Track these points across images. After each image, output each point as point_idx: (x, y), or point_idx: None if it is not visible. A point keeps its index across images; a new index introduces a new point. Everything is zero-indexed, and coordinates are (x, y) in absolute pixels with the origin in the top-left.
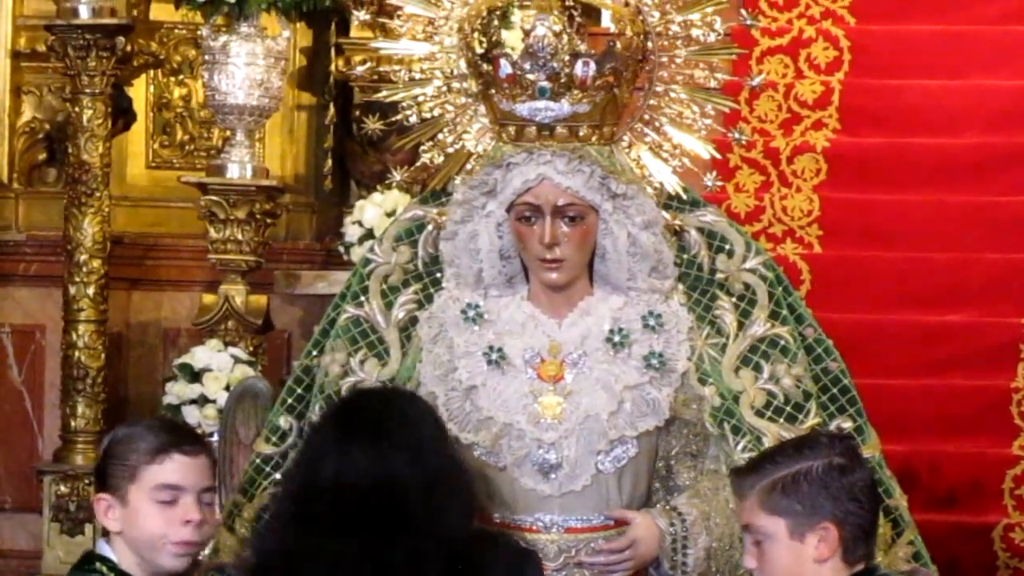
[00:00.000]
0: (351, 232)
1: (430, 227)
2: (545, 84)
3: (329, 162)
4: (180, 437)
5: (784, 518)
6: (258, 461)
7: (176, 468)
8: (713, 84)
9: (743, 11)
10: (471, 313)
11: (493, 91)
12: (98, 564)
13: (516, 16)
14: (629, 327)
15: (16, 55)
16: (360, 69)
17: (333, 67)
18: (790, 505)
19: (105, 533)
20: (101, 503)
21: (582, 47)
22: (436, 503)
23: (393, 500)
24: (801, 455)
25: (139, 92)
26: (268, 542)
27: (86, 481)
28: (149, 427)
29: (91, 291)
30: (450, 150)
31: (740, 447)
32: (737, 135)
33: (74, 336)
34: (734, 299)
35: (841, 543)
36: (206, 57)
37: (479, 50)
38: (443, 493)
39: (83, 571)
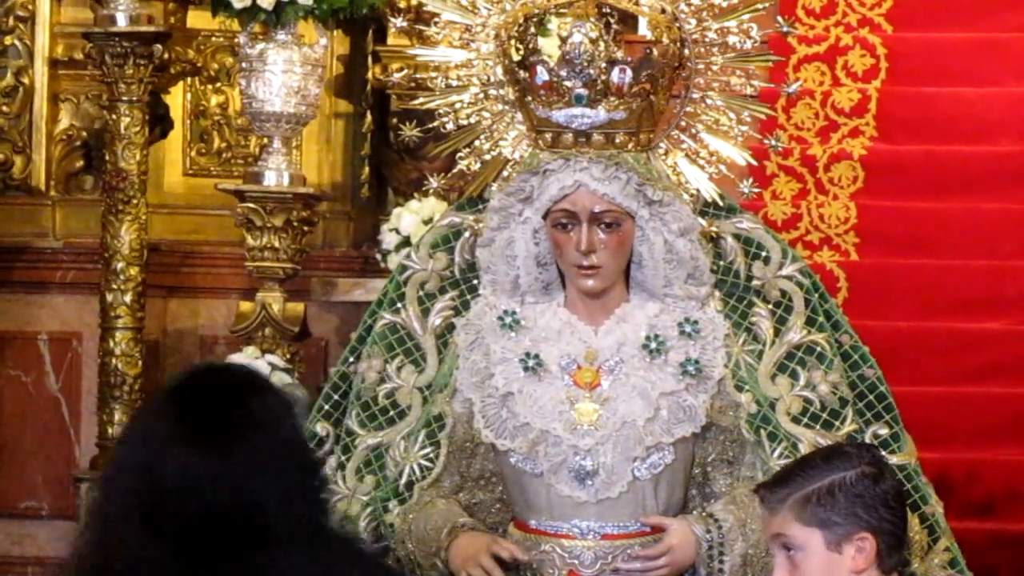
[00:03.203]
0: (388, 239)
1: (467, 234)
2: (582, 91)
3: (366, 170)
4: None
5: (820, 529)
6: None
7: None
8: (750, 91)
9: (780, 18)
10: (508, 320)
11: (530, 98)
12: None
13: (553, 23)
14: (665, 334)
15: (53, 63)
16: (397, 76)
17: (370, 75)
18: (827, 516)
19: None
20: None
21: (619, 54)
22: (293, 514)
23: (244, 516)
24: (832, 466)
25: (176, 100)
26: (107, 542)
27: None
28: None
29: (128, 299)
30: (487, 157)
31: (776, 454)
32: (774, 142)
33: (111, 344)
34: (770, 306)
35: (877, 552)
36: (243, 65)
37: (516, 57)
38: (300, 505)
39: None
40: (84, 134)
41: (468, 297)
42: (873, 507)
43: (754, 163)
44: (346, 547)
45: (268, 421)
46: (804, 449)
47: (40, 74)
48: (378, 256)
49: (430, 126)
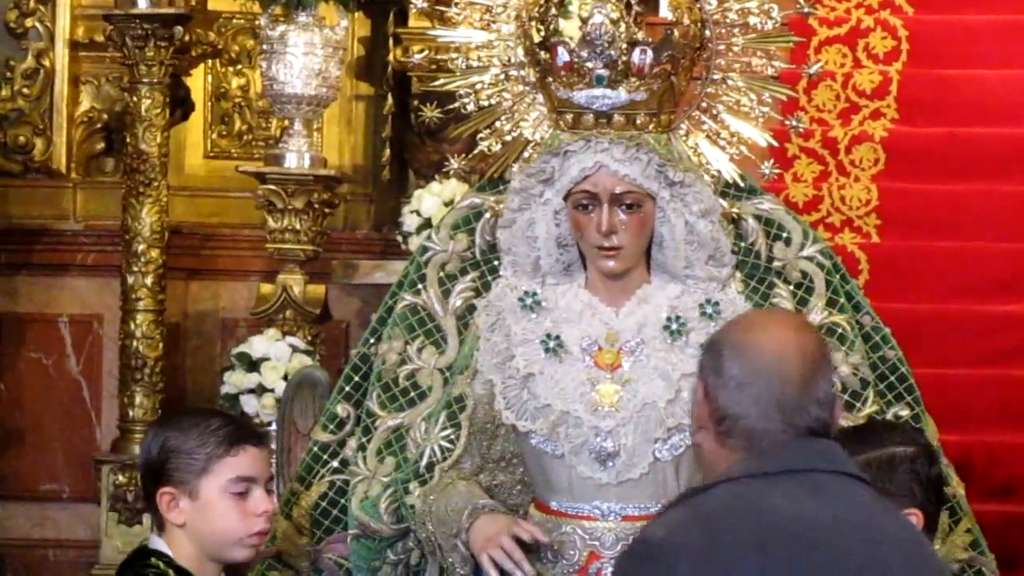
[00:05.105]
0: (409, 221)
1: (487, 215)
2: (602, 72)
3: (387, 152)
4: (247, 429)
5: None
6: (315, 449)
7: (250, 460)
8: (771, 72)
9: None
10: (528, 301)
11: (551, 79)
12: (153, 560)
13: (574, 4)
14: (686, 315)
15: (74, 45)
16: (418, 57)
17: (391, 57)
18: (884, 486)
19: (158, 528)
20: (164, 497)
21: (639, 35)
22: None
23: None
24: (892, 438)
25: (197, 82)
26: None
27: None
28: (209, 420)
29: (149, 281)
30: (507, 138)
31: None
32: (795, 123)
33: (132, 326)
34: (791, 287)
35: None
36: (264, 47)
37: (536, 38)
38: None
39: (138, 568)
40: (105, 116)
41: (489, 278)
42: (926, 487)
43: (775, 144)
44: None
45: None
46: None
47: (61, 56)
48: (399, 238)
49: (451, 107)
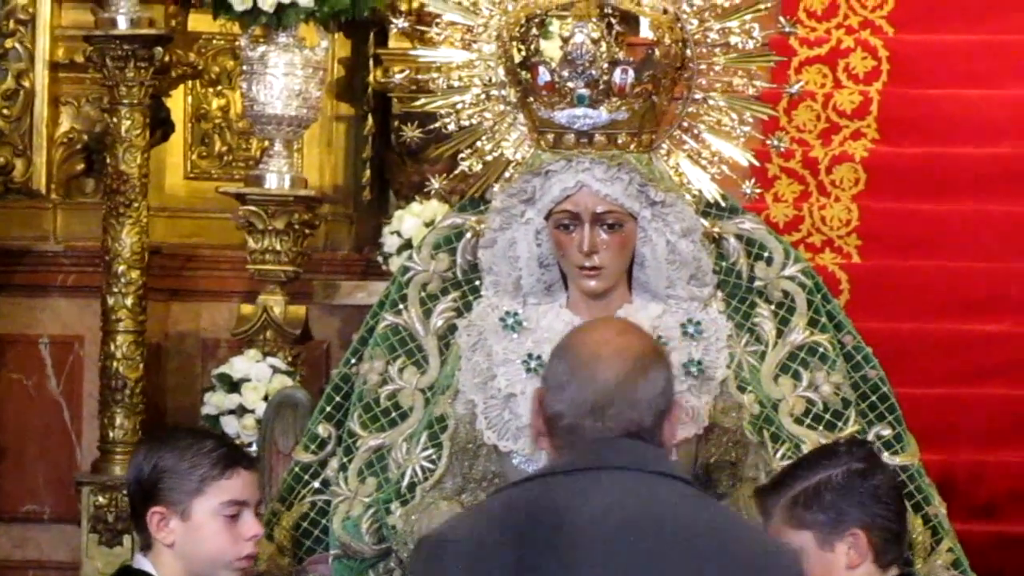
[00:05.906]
0: (390, 242)
1: (469, 235)
2: (584, 91)
3: (368, 172)
4: (240, 452)
5: (810, 530)
6: (297, 469)
7: (243, 483)
8: (752, 92)
9: (782, 19)
10: (510, 321)
11: (532, 99)
12: None
13: (555, 25)
14: (668, 335)
15: (54, 66)
16: (398, 77)
17: (371, 78)
18: (814, 517)
19: (144, 547)
20: (155, 516)
21: (620, 54)
22: None
23: None
24: (820, 466)
25: (177, 103)
26: None
27: (125, 492)
28: (203, 441)
29: (129, 302)
30: (488, 158)
31: (779, 455)
32: (776, 142)
33: (112, 347)
34: (773, 306)
35: (872, 547)
36: (244, 68)
37: (518, 58)
38: None
39: None
40: (85, 137)
41: (470, 298)
42: (861, 502)
43: (756, 163)
44: None
45: None
46: (807, 450)
47: (41, 77)
48: (380, 259)
49: (431, 127)
